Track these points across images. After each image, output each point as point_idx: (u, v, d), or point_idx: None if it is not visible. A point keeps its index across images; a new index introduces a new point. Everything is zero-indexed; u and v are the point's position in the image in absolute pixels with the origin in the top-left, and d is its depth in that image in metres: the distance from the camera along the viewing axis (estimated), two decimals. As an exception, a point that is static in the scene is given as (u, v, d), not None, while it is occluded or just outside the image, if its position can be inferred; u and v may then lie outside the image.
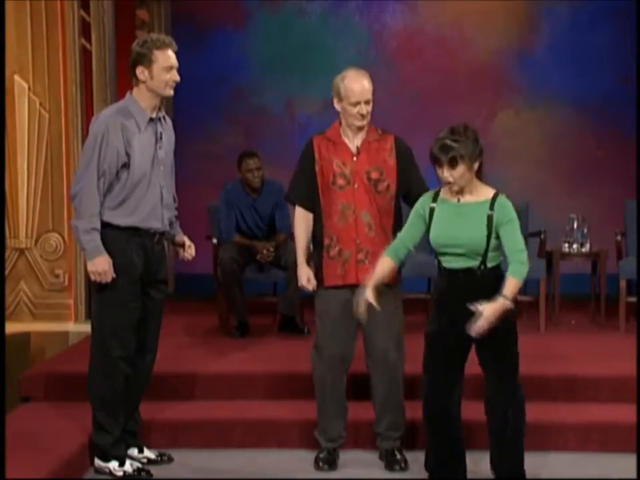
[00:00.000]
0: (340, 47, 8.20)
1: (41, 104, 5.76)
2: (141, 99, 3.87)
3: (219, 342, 5.71)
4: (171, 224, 4.05)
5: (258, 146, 6.96)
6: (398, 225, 4.03)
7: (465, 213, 3.64)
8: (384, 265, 3.76)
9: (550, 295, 6.25)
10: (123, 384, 3.93)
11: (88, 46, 6.01)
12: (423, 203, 3.74)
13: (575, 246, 6.23)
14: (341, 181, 4.02)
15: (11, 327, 5.58)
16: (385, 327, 4.01)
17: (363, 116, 4.02)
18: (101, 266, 3.79)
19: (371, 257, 3.97)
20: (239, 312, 5.93)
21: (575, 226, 6.22)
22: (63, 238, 5.79)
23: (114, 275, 3.82)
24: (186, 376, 4.86)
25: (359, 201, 3.99)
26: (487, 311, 3.51)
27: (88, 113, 5.90)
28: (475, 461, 3.98)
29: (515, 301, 3.60)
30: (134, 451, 4.12)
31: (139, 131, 3.85)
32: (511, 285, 3.58)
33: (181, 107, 7.54)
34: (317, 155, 4.06)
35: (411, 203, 3.90)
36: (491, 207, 3.62)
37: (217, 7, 8.14)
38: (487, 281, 3.64)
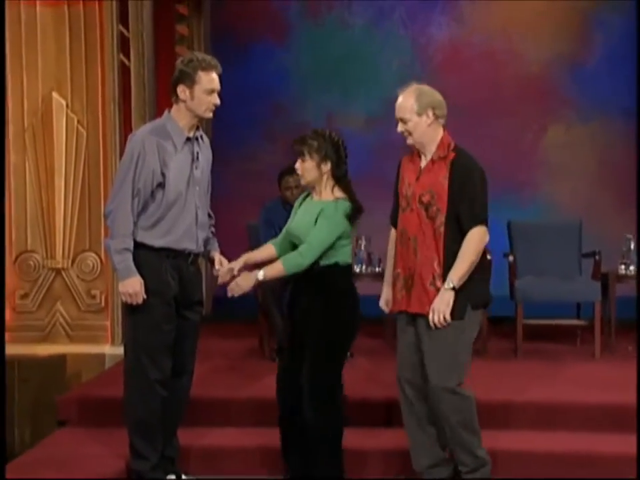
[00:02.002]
0: (383, 60, 8.23)
1: (78, 121, 5.83)
2: (179, 118, 3.91)
3: (258, 366, 5.70)
4: (207, 241, 4.08)
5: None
6: (450, 256, 3.82)
7: (308, 208, 3.99)
8: (264, 249, 4.13)
9: (605, 319, 6.16)
10: (160, 408, 3.94)
11: (126, 62, 6.08)
12: (298, 200, 4.12)
13: (631, 267, 6.15)
14: (404, 203, 3.97)
15: (47, 349, 5.67)
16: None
17: (402, 133, 3.99)
18: (132, 287, 3.83)
19: (412, 285, 3.91)
20: (279, 334, 5.92)
21: (632, 246, 6.15)
22: (100, 258, 5.84)
23: (144, 296, 3.84)
24: (224, 401, 4.87)
25: (411, 225, 3.92)
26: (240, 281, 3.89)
27: (126, 131, 5.95)
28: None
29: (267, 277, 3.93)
30: (172, 477, 4.13)
31: (175, 150, 3.89)
32: (275, 265, 3.93)
33: (220, 123, 7.58)
34: (400, 174, 4.07)
35: (460, 230, 3.83)
36: (321, 211, 3.91)
37: (258, 21, 8.21)
38: (316, 277, 3.90)
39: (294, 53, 8.28)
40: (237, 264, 4.02)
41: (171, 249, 3.90)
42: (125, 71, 6.03)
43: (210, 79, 3.88)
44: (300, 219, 4.03)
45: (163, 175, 3.85)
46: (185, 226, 3.92)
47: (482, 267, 3.90)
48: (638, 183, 6.07)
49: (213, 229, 4.14)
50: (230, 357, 6.00)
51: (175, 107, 3.94)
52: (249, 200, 7.66)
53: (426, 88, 3.96)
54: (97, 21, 5.81)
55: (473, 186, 3.82)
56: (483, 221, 3.82)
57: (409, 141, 3.97)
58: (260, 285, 5.91)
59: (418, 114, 3.90)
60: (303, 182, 4.03)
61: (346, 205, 3.93)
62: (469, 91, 8.00)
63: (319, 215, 3.92)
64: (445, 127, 3.95)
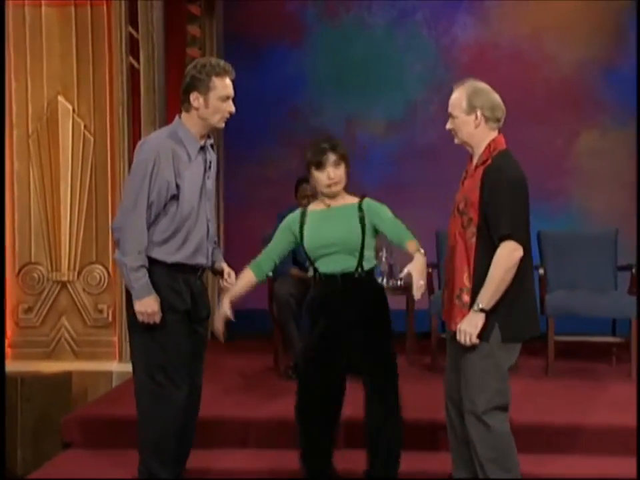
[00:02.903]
0: (405, 63, 8.22)
1: (85, 126, 5.85)
2: (191, 126, 3.89)
3: (273, 384, 5.70)
4: (212, 252, 4.07)
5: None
6: (480, 270, 3.73)
7: (336, 214, 4.03)
8: (244, 278, 4.05)
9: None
10: (179, 428, 3.92)
11: (136, 64, 6.09)
12: (292, 217, 4.12)
13: (671, 282, 6.09)
14: (452, 207, 3.93)
15: (51, 366, 5.67)
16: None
17: (450, 131, 3.92)
18: (150, 306, 3.80)
19: (447, 297, 3.90)
20: (296, 351, 5.90)
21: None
22: (108, 270, 5.85)
23: (160, 314, 3.83)
24: (237, 421, 4.85)
25: (451, 232, 3.89)
26: (416, 269, 3.78)
27: (135, 136, 5.97)
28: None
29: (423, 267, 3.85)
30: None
31: (189, 160, 3.87)
32: (414, 244, 3.88)
33: (234, 128, 7.56)
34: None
35: (491, 241, 3.75)
36: (360, 209, 4.01)
37: (273, 21, 8.22)
38: (365, 286, 3.98)
39: (311, 55, 8.28)
40: (227, 309, 4.00)
41: (184, 264, 3.89)
42: (133, 74, 6.05)
43: (225, 85, 3.87)
44: (332, 226, 4.02)
45: (178, 186, 3.82)
46: (198, 241, 3.90)
47: (523, 293, 3.76)
48: (638, 184, 6.07)
49: (215, 239, 4.13)
50: (243, 375, 5.99)
51: (185, 114, 3.90)
52: (263, 208, 7.66)
53: (482, 86, 3.88)
54: (104, 22, 5.83)
55: (501, 196, 3.68)
56: (512, 235, 3.67)
57: (456, 140, 3.91)
58: (275, 300, 5.97)
59: (466, 112, 3.82)
60: (336, 189, 4.04)
61: None
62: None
63: (370, 214, 4.00)
64: (499, 131, 3.87)
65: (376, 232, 4.06)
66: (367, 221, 4.01)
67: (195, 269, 3.95)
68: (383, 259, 6.10)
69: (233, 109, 3.90)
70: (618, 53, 8.07)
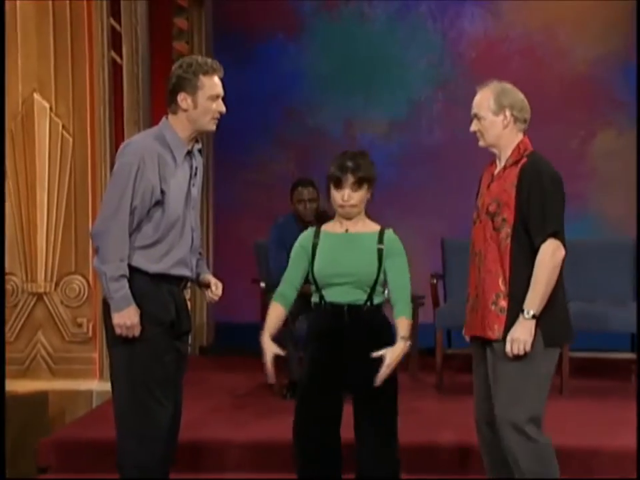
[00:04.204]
0: (409, 58, 8.23)
1: (64, 126, 5.85)
2: (179, 129, 3.90)
3: (266, 404, 5.69)
4: (196, 263, 4.07)
5: (313, 173, 6.98)
6: (517, 272, 3.80)
7: (355, 242, 4.01)
8: (274, 313, 4.10)
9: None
10: (164, 451, 3.90)
11: (118, 59, 6.10)
12: (305, 238, 4.10)
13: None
14: (474, 215, 3.96)
15: (26, 385, 5.64)
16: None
17: (475, 133, 3.96)
18: (130, 318, 3.80)
19: (478, 306, 3.89)
20: (291, 369, 5.90)
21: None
22: (88, 281, 5.84)
23: (141, 327, 3.82)
24: (228, 443, 4.84)
25: (478, 239, 3.91)
26: (390, 356, 3.84)
27: (117, 137, 5.98)
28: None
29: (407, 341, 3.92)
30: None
31: (175, 165, 3.88)
32: (406, 325, 3.91)
33: (224, 129, 7.50)
34: (480, 185, 4.05)
35: (531, 245, 3.78)
36: (380, 240, 4.01)
37: (266, 14, 8.24)
38: (373, 319, 3.98)
39: (307, 50, 8.30)
40: (273, 346, 4.09)
41: (166, 274, 3.89)
42: (116, 70, 6.06)
43: (213, 84, 3.88)
44: (349, 254, 4.01)
45: (163, 192, 3.83)
46: (182, 252, 3.91)
47: (562, 295, 3.84)
48: (638, 185, 6.09)
49: (201, 250, 4.14)
50: (235, 394, 5.98)
51: (172, 117, 3.90)
52: (257, 215, 7.67)
53: (509, 86, 3.95)
54: (84, 14, 5.82)
55: (541, 193, 3.78)
56: (554, 234, 3.77)
57: (481, 143, 3.95)
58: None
59: (494, 113, 3.88)
60: (351, 211, 4.01)
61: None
62: (507, 92, 7.98)
63: (389, 253, 3.98)
64: (525, 132, 3.94)
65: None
66: (384, 256, 3.99)
67: (179, 280, 3.95)
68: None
69: (223, 108, 3.91)
70: (636, 48, 8.08)
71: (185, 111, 3.87)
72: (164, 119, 3.93)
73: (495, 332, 3.79)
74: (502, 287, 3.80)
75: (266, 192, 8.02)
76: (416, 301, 6.00)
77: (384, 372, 3.84)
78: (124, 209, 3.78)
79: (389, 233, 4.04)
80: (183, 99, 3.86)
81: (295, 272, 4.09)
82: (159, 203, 3.83)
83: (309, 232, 4.14)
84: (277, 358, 5.94)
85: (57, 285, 5.88)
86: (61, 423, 5.57)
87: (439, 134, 8.13)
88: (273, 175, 8.16)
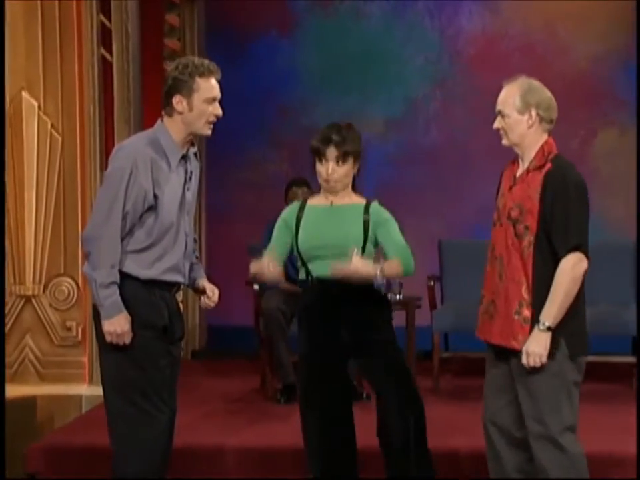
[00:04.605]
0: (406, 56, 8.24)
1: (52, 125, 5.85)
2: (174, 132, 3.89)
3: (260, 409, 5.69)
4: (191, 267, 4.07)
5: (308, 173, 6.98)
6: (541, 281, 3.77)
7: (340, 214, 4.05)
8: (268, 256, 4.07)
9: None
10: (162, 459, 3.90)
11: (108, 57, 6.10)
12: (289, 212, 4.15)
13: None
14: (495, 216, 3.92)
15: (13, 390, 5.62)
16: None
17: (498, 130, 3.91)
18: (120, 326, 3.79)
19: (494, 312, 3.88)
20: (285, 372, 5.90)
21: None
22: (77, 284, 5.84)
23: (132, 333, 3.82)
24: (220, 449, 4.84)
25: (499, 242, 3.87)
26: (355, 262, 3.87)
27: (107, 136, 5.98)
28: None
29: (384, 276, 4.00)
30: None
31: (169, 169, 3.88)
32: (392, 263, 3.97)
33: (216, 129, 7.57)
34: (500, 184, 4.01)
35: (554, 255, 3.77)
36: (366, 211, 4.05)
37: (260, 10, 8.24)
38: (363, 292, 3.99)
39: (301, 47, 8.31)
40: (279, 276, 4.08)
41: (158, 280, 3.89)
42: (106, 68, 6.06)
43: (210, 86, 3.87)
44: (333, 225, 4.05)
45: (156, 197, 3.83)
46: (176, 258, 3.91)
47: (583, 304, 3.86)
48: (638, 185, 6.14)
49: (197, 253, 4.14)
50: (228, 399, 5.97)
51: (167, 119, 3.89)
52: (249, 216, 7.67)
53: (536, 84, 3.91)
54: (73, 11, 5.83)
55: (566, 203, 3.73)
56: (578, 247, 3.74)
57: (504, 141, 3.90)
58: (262, 316, 5.97)
59: (519, 111, 3.84)
60: (335, 186, 4.06)
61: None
62: (506, 91, 7.99)
63: (377, 224, 4.04)
64: (550, 133, 3.90)
65: (377, 242, 4.07)
66: (370, 227, 4.03)
67: (171, 286, 3.95)
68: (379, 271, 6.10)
69: (219, 112, 3.90)
70: (636, 46, 8.09)
71: (180, 113, 3.85)
72: (159, 121, 3.92)
73: (520, 343, 3.77)
74: (525, 296, 3.78)
75: (259, 193, 8.02)
76: (412, 303, 6.02)
77: (345, 268, 3.86)
78: (116, 215, 3.78)
79: (375, 205, 4.08)
80: (178, 102, 3.85)
81: (277, 245, 4.12)
82: (152, 208, 3.83)
83: (294, 206, 4.18)
84: (270, 361, 5.99)
85: (45, 287, 5.88)
86: (49, 428, 5.57)
87: (437, 133, 8.13)
88: (267, 175, 8.16)
